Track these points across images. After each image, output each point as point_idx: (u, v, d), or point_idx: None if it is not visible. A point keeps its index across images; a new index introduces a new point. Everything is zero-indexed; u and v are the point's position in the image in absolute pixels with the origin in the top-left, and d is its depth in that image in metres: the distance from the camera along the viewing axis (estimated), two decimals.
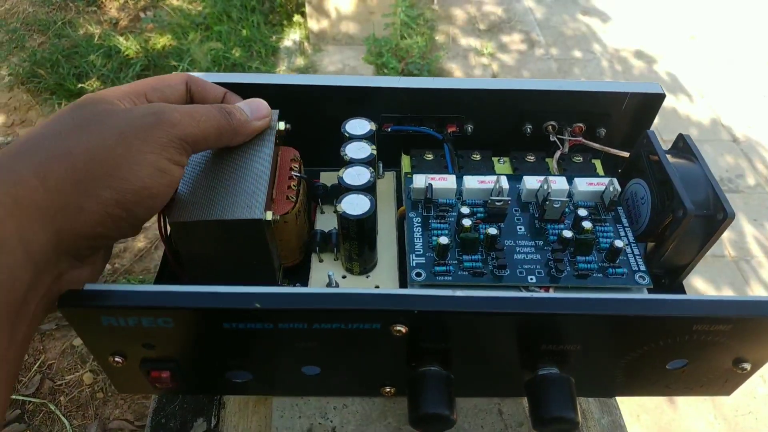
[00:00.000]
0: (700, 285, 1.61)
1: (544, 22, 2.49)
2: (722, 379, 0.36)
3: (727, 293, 1.59)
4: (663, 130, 1.97)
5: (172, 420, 0.45)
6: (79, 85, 1.85)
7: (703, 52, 2.41)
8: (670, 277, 0.42)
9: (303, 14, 2.19)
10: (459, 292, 0.30)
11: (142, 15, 2.25)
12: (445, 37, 2.32)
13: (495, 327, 0.31)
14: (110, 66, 1.93)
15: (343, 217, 0.35)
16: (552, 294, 0.34)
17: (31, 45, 2.08)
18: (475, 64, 2.22)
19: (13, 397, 1.24)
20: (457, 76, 2.15)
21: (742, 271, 1.64)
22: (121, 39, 2.04)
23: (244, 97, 0.44)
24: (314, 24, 2.16)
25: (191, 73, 0.37)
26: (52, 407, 1.24)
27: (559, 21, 2.51)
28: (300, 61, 2.10)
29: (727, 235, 1.72)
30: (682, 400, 1.39)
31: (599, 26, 2.50)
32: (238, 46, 2.07)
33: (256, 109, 0.37)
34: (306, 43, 2.19)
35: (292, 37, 2.21)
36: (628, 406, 1.38)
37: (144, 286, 0.29)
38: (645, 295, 0.36)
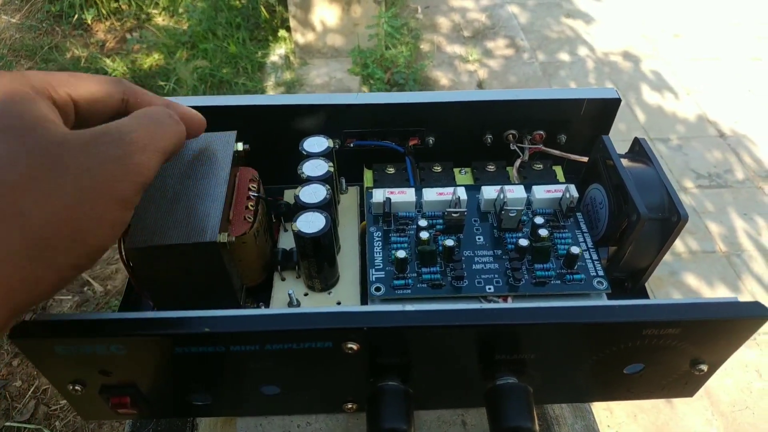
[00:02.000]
0: (693, 281, 1.61)
1: (528, 26, 2.51)
2: (682, 381, 0.36)
3: (720, 288, 1.59)
4: (650, 129, 1.98)
5: None
6: None
7: (688, 49, 2.42)
8: (633, 280, 0.42)
9: (288, 29, 2.21)
10: (409, 307, 0.30)
11: (128, 36, 2.27)
12: (430, 45, 2.34)
13: (447, 340, 0.31)
14: None
15: (298, 236, 0.36)
16: (499, 304, 0.34)
17: (18, 70, 2.09)
18: (461, 71, 2.24)
19: (8, 423, 1.24)
20: (443, 84, 2.17)
21: (733, 265, 1.64)
22: (107, 61, 2.05)
23: (208, 120, 0.45)
24: (300, 37, 2.18)
25: (128, 85, 0.32)
26: None
27: (542, 25, 2.53)
28: (287, 76, 2.12)
29: (717, 230, 1.72)
30: (679, 399, 1.39)
31: (583, 28, 2.52)
32: (225, 63, 2.08)
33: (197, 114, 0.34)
34: (292, 57, 2.20)
35: (278, 52, 2.22)
36: (625, 407, 1.38)
37: (92, 314, 0.29)
38: (595, 301, 0.36)
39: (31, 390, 1.31)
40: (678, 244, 1.67)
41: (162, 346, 0.29)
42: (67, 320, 0.29)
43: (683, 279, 1.61)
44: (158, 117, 0.29)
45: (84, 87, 0.29)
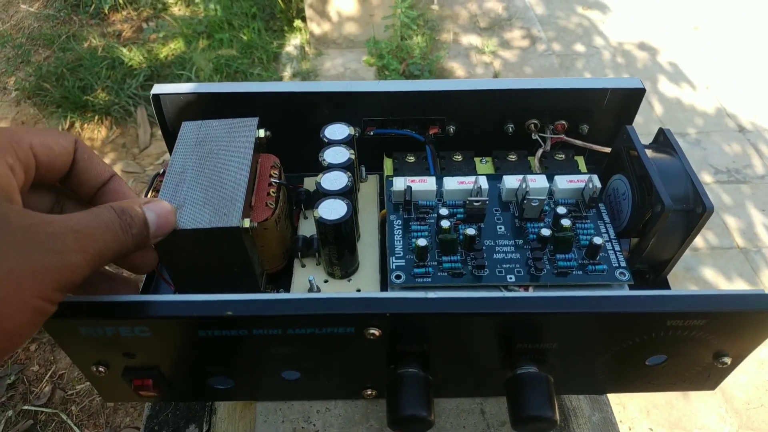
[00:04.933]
0: (710, 276, 1.59)
1: (545, 17, 2.48)
2: (704, 374, 0.36)
3: (737, 284, 1.57)
4: (669, 122, 1.95)
5: (165, 427, 0.45)
6: (85, 97, 1.88)
7: (707, 42, 2.38)
8: (655, 272, 0.41)
9: (303, 19, 2.20)
10: (431, 294, 0.30)
11: (144, 25, 2.28)
12: (446, 36, 2.32)
13: (468, 327, 0.31)
14: (114, 77, 1.96)
15: (320, 223, 0.36)
16: (521, 293, 0.34)
17: (36, 59, 2.11)
18: (476, 63, 2.22)
19: (26, 407, 1.26)
20: (459, 75, 2.15)
21: (751, 260, 1.62)
22: (124, 50, 2.06)
23: (225, 107, 0.45)
24: (315, 27, 2.17)
25: (80, 141, 0.33)
26: (64, 417, 1.26)
27: (559, 16, 2.50)
28: (302, 66, 2.11)
29: (735, 225, 1.70)
30: (694, 395, 1.38)
31: (600, 19, 2.49)
32: (240, 53, 2.08)
33: (163, 223, 0.31)
34: (307, 48, 2.20)
35: (293, 42, 2.22)
36: (638, 402, 1.37)
37: (118, 297, 0.29)
38: (618, 291, 0.36)
39: (48, 374, 1.33)
40: (696, 239, 1.65)
41: (186, 329, 0.30)
42: (92, 302, 0.29)
43: (700, 274, 1.59)
44: (108, 222, 0.28)
45: (40, 139, 0.30)
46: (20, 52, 2.11)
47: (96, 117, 1.88)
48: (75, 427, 1.24)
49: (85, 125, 1.87)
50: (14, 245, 0.24)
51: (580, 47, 2.33)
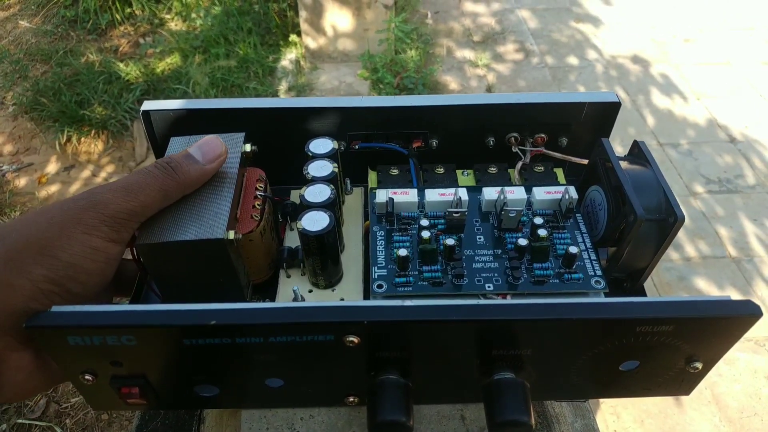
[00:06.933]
0: (702, 286, 1.61)
1: (538, 31, 2.51)
2: (678, 379, 0.37)
3: (729, 293, 1.58)
4: (660, 134, 1.97)
5: None
6: (81, 112, 1.89)
7: (699, 54, 2.42)
8: (631, 280, 0.43)
9: (299, 34, 2.23)
10: (408, 302, 0.31)
11: (141, 41, 2.30)
12: (439, 50, 2.35)
13: (445, 334, 0.32)
14: (111, 92, 1.97)
15: (303, 234, 0.37)
16: (494, 301, 0.35)
17: (34, 74, 2.13)
18: (470, 76, 2.24)
19: (20, 421, 1.26)
20: (453, 88, 2.18)
21: (743, 270, 1.63)
22: (121, 65, 2.08)
23: (214, 123, 0.46)
24: (310, 42, 2.20)
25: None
26: (59, 430, 1.26)
27: (552, 29, 2.53)
28: (298, 80, 2.14)
29: (728, 235, 1.71)
30: (687, 404, 1.38)
31: (593, 32, 2.52)
32: (236, 67, 2.11)
33: (209, 151, 0.37)
34: (302, 62, 2.22)
35: (288, 56, 2.25)
36: (632, 411, 1.38)
37: (105, 306, 0.30)
38: (589, 299, 0.37)
39: None
40: (688, 249, 1.66)
41: (171, 338, 0.30)
42: (79, 311, 0.30)
43: (693, 284, 1.60)
44: (146, 171, 0.34)
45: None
46: (18, 67, 2.14)
47: (93, 131, 1.89)
48: None
49: (82, 139, 1.89)
50: (54, 206, 0.32)
51: (573, 60, 2.36)
